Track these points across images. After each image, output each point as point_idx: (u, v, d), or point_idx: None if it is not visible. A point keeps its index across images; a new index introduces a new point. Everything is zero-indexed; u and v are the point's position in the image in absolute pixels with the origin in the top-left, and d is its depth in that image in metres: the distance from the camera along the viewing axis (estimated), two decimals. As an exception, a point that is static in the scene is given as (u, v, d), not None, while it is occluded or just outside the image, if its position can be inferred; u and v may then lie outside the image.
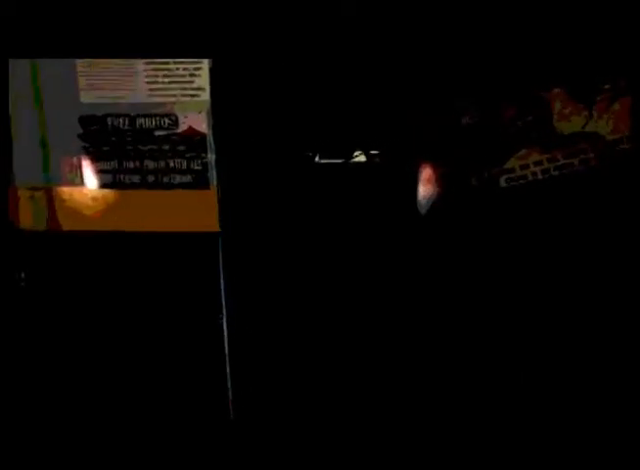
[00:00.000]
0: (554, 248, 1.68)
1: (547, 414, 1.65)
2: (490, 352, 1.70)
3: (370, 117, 1.78)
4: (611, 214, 1.63)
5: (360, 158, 1.88)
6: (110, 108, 2.11)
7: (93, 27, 1.92)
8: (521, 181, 1.73)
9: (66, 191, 2.12)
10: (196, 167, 2.15)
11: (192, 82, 2.08)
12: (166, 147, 2.14)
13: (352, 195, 1.98)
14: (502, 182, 1.77)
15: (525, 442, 1.63)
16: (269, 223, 2.21)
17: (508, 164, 1.75)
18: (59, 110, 2.04)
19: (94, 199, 2.13)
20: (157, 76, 2.08)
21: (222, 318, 2.16)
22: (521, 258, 1.73)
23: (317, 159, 1.99)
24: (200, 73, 2.06)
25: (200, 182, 2.16)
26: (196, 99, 2.09)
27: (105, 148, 2.12)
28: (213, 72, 2.01)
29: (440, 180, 1.75)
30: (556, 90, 1.65)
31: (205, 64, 2.05)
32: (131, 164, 2.13)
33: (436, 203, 1.75)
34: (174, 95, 2.10)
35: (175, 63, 2.06)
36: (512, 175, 1.76)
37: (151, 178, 2.16)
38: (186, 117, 2.12)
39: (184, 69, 2.07)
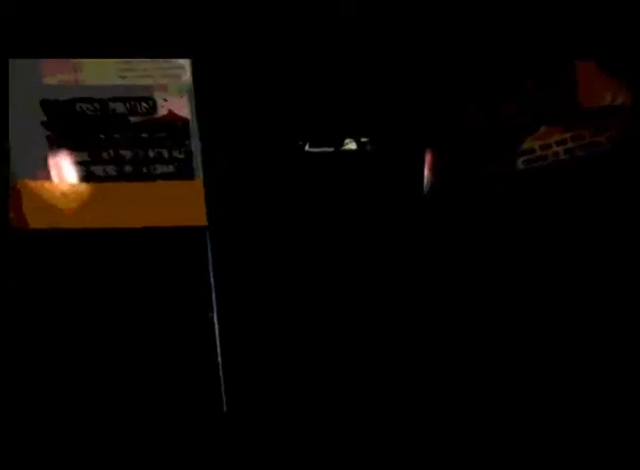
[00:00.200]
0: (576, 236, 1.61)
1: (547, 414, 1.65)
2: (500, 347, 1.67)
3: (361, 104, 1.70)
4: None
5: (351, 146, 1.80)
6: (77, 91, 1.87)
7: (87, 27, 1.74)
8: (540, 163, 1.62)
9: (31, 185, 1.89)
10: (178, 156, 1.95)
11: (171, 61, 1.87)
12: (144, 135, 1.93)
13: (344, 184, 1.90)
14: (519, 164, 1.64)
15: (524, 441, 1.62)
16: (259, 215, 2.06)
17: (526, 145, 1.63)
18: (19, 93, 1.80)
19: (64, 194, 1.91)
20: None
21: (212, 315, 2.02)
22: (540, 249, 1.65)
23: (307, 147, 1.88)
24: (180, 52, 1.86)
25: (183, 173, 1.97)
26: (176, 80, 1.89)
27: (73, 137, 1.90)
28: (197, 54, 1.81)
29: (449, 166, 1.65)
30: (582, 62, 1.53)
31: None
32: (105, 155, 1.92)
33: (446, 191, 1.65)
34: (151, 76, 1.89)
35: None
36: (530, 156, 1.64)
37: (128, 169, 1.95)
38: (165, 100, 1.91)
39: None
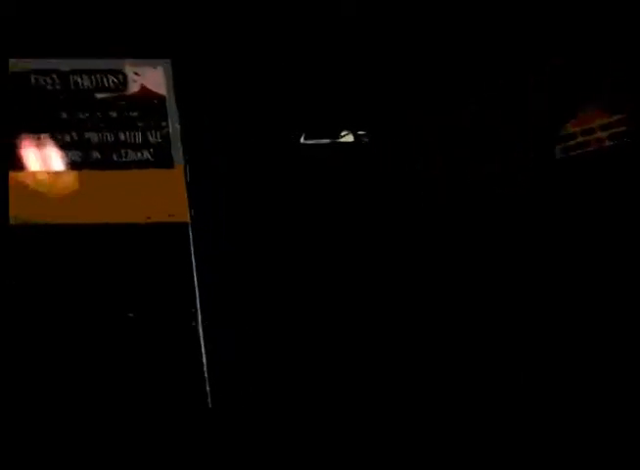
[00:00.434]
0: (620, 235, 1.47)
1: (547, 414, 1.61)
2: (502, 346, 1.60)
3: (358, 95, 1.57)
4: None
5: (348, 138, 1.65)
6: (33, 62, 1.57)
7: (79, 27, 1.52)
8: (581, 151, 1.44)
9: (-21, 174, 1.60)
10: (154, 141, 1.67)
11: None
12: (113, 114, 1.64)
13: (340, 177, 1.72)
14: (557, 153, 1.44)
15: (524, 441, 1.59)
16: (249, 208, 1.80)
17: (565, 130, 1.44)
18: (-44, 63, 1.50)
19: (20, 184, 1.63)
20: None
21: (196, 322, 1.79)
22: (581, 247, 1.52)
23: (302, 139, 1.69)
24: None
25: (161, 160, 1.69)
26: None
27: (28, 116, 1.60)
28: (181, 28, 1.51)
29: (449, 166, 1.54)
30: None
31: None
32: (67, 138, 1.63)
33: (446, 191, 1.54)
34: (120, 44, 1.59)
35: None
36: (570, 143, 1.43)
37: (95, 156, 1.66)
38: (137, 74, 1.62)
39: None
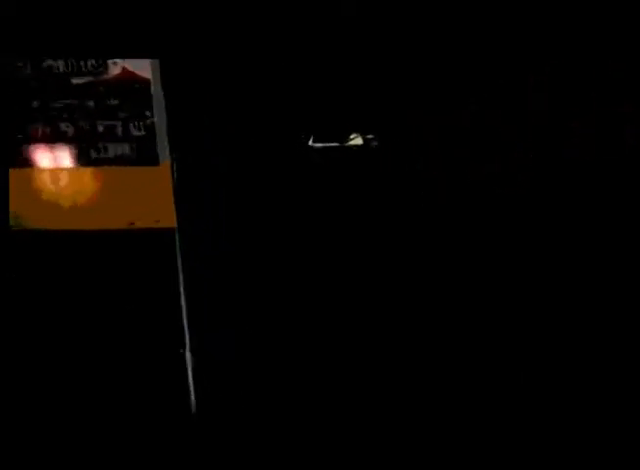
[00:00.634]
0: (620, 235, 1.55)
1: (547, 414, 1.64)
2: (500, 347, 1.63)
3: (355, 96, 1.52)
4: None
5: (357, 141, 1.57)
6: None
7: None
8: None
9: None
10: (137, 134, 1.42)
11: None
12: (90, 102, 1.41)
13: (349, 181, 1.60)
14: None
15: (524, 442, 1.62)
16: (246, 214, 1.54)
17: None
18: None
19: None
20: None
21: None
22: (581, 248, 1.57)
23: (311, 142, 1.55)
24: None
25: (144, 156, 1.44)
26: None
27: (-2, 104, 1.40)
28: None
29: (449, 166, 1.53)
30: None
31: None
32: (38, 130, 1.41)
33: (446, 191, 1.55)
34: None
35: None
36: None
37: (71, 150, 1.44)
38: (118, 53, 1.38)
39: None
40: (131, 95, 1.39)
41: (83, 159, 1.43)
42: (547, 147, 1.53)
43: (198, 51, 1.38)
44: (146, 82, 1.39)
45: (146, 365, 1.63)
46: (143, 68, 1.38)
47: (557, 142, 1.53)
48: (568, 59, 1.48)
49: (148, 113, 1.40)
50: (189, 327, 1.54)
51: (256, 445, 1.65)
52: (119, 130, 1.41)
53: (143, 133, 1.41)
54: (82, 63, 1.38)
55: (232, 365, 1.63)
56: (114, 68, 1.38)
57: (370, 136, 1.53)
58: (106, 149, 1.43)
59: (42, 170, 1.43)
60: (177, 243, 1.48)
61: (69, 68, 1.38)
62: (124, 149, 1.43)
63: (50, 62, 1.38)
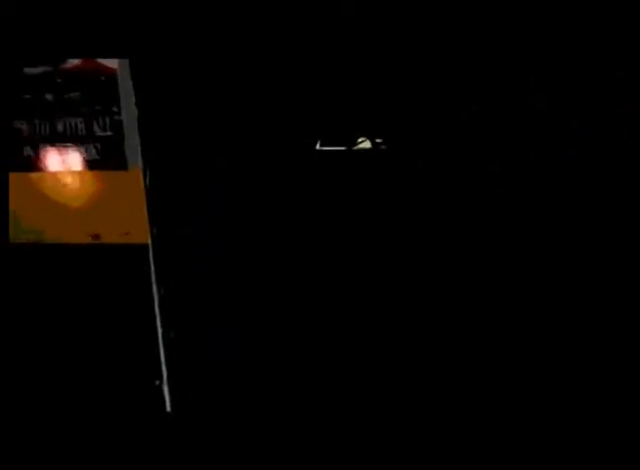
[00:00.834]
0: (621, 235, 1.55)
1: (547, 415, 1.64)
2: (500, 347, 1.62)
3: (368, 96, 1.51)
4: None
5: (365, 144, 1.55)
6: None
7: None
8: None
9: None
10: (102, 134, 1.24)
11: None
12: (48, 96, 1.22)
13: (348, 181, 1.55)
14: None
15: (525, 442, 1.63)
16: (239, 218, 1.40)
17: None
18: None
19: None
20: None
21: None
22: (581, 248, 1.57)
23: (318, 146, 1.51)
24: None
25: (111, 159, 1.26)
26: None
27: None
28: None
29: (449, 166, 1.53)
30: None
31: None
32: (-17, 127, 1.20)
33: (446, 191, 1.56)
34: None
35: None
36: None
37: (26, 152, 1.24)
38: (80, 41, 1.20)
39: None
40: (95, 87, 1.21)
41: (38, 161, 1.23)
42: (547, 147, 1.54)
43: (175, 42, 1.22)
44: (112, 73, 1.21)
45: (120, 400, 1.48)
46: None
47: (557, 142, 1.54)
48: (568, 59, 1.51)
49: (115, 109, 1.22)
50: (166, 359, 1.36)
51: (257, 445, 1.64)
52: (82, 129, 1.22)
53: (111, 133, 1.23)
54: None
55: (232, 366, 1.54)
56: (75, 57, 1.20)
57: (378, 140, 1.53)
58: (66, 150, 1.23)
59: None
60: (151, 256, 1.29)
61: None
62: (87, 150, 1.24)
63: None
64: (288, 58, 1.40)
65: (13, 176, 1.24)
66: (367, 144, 1.54)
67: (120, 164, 1.25)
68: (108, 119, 1.22)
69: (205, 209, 1.30)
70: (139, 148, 1.24)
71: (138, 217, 1.28)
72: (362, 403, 1.66)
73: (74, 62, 1.19)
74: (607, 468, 1.63)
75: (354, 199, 1.56)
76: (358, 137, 1.55)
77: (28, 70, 1.20)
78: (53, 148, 1.24)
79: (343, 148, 1.55)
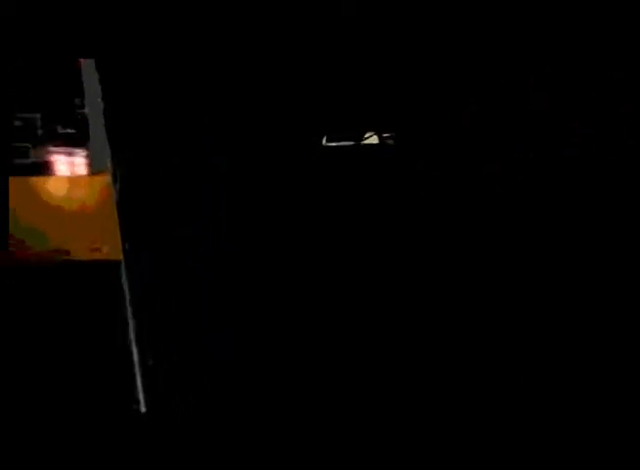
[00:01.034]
0: (620, 235, 1.57)
1: (547, 415, 1.65)
2: (500, 347, 1.63)
3: (368, 96, 1.50)
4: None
5: (372, 139, 1.54)
6: None
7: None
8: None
9: None
10: (62, 131, 1.06)
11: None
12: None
13: (347, 181, 1.51)
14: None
15: (525, 442, 1.63)
16: (239, 226, 1.29)
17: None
18: None
19: None
20: None
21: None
22: (581, 248, 1.60)
23: (324, 141, 1.47)
24: None
25: (74, 161, 1.08)
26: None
27: None
28: None
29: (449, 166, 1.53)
30: None
31: None
32: None
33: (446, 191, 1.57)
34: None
35: None
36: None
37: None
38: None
39: None
40: (54, 75, 1.03)
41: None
42: (547, 147, 1.56)
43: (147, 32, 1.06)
44: (77, 68, 1.03)
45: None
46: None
47: (557, 142, 1.55)
48: (568, 59, 1.52)
49: (78, 100, 1.04)
50: (144, 385, 1.19)
51: (257, 445, 1.60)
52: (39, 125, 1.04)
53: (73, 131, 1.05)
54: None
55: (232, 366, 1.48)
56: (29, 41, 1.01)
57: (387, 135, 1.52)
58: (22, 151, 1.04)
59: None
60: (124, 275, 1.12)
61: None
62: (46, 151, 1.05)
63: None
64: (289, 58, 1.36)
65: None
66: (374, 139, 1.54)
67: (85, 167, 1.07)
68: (70, 115, 1.04)
69: (203, 209, 1.15)
70: (108, 149, 1.06)
71: (106, 228, 1.10)
72: (362, 403, 1.64)
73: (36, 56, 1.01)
74: (607, 468, 1.63)
75: (354, 199, 1.54)
76: (365, 132, 1.54)
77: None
78: (4, 148, 1.04)
79: (348, 143, 1.52)
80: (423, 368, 1.66)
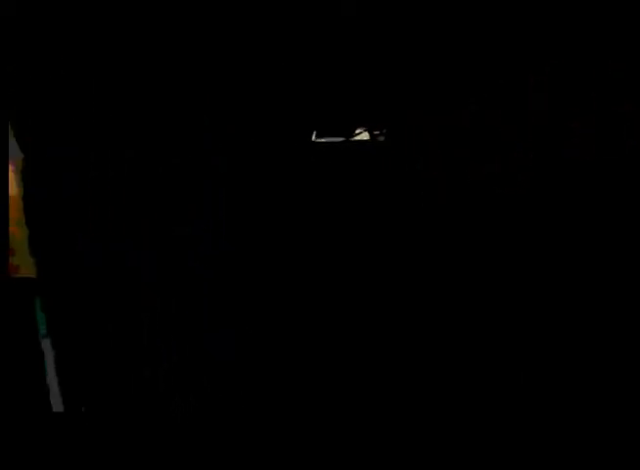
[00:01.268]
0: (621, 235, 1.59)
1: (547, 415, 1.66)
2: (500, 348, 1.63)
3: (367, 96, 1.52)
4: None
5: (363, 136, 1.56)
6: None
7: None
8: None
9: None
10: None
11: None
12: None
13: (347, 181, 1.52)
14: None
15: (525, 442, 1.65)
16: (239, 226, 1.26)
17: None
18: None
19: None
20: None
21: None
22: (581, 248, 1.60)
23: (314, 137, 1.48)
24: None
25: None
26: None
27: None
28: None
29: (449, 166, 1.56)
30: None
31: None
32: None
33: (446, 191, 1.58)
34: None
35: None
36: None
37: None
38: None
39: None
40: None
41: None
42: (547, 147, 1.55)
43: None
44: None
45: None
46: None
47: (557, 142, 1.55)
48: (568, 59, 1.51)
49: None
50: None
51: (257, 445, 1.59)
52: None
53: None
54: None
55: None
56: None
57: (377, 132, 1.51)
58: None
59: None
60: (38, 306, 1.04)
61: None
62: None
63: None
64: (289, 58, 1.36)
65: None
66: (365, 135, 1.54)
67: None
68: None
69: (203, 209, 1.14)
70: (12, 137, 1.00)
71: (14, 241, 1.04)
72: (362, 404, 1.62)
73: None
74: (607, 468, 1.63)
75: (354, 199, 1.53)
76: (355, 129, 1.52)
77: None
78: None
79: (340, 139, 1.51)
80: (423, 368, 1.65)
